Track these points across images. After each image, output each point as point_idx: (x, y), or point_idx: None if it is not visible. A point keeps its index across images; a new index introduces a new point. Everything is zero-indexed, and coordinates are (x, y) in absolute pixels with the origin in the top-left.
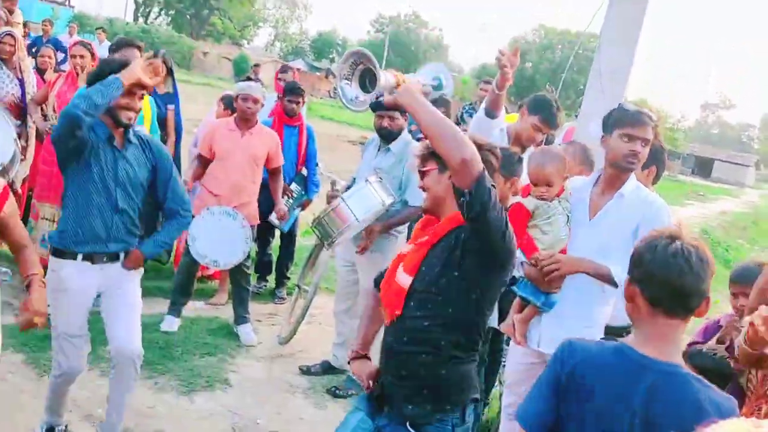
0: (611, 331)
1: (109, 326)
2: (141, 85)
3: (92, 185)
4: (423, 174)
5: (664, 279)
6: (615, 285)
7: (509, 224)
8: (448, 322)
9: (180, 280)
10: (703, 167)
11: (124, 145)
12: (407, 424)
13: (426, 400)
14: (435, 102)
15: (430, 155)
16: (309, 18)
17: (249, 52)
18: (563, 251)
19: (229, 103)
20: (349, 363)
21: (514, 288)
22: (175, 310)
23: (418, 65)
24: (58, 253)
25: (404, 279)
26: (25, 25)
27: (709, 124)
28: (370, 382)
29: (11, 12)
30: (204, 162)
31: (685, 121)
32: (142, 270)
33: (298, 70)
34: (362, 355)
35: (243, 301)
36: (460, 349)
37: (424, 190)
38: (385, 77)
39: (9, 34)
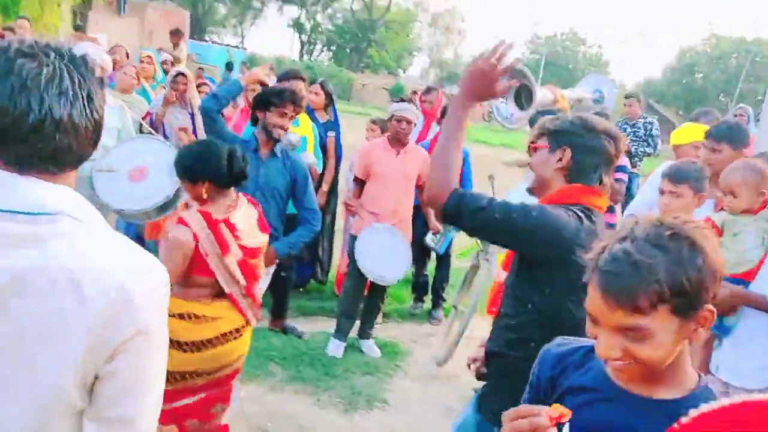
0: None
1: None
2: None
3: None
4: (533, 149)
5: None
6: None
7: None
8: (531, 319)
9: (346, 304)
10: None
11: (268, 157)
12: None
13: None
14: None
15: (547, 132)
16: (463, 43)
17: (405, 81)
18: (750, 273)
19: (382, 125)
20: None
21: None
22: (341, 333)
23: (575, 85)
24: None
25: (502, 275)
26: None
27: None
28: (477, 367)
29: (177, 61)
30: (360, 184)
31: None
32: (274, 266)
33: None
34: None
35: (371, 319)
36: None
37: (532, 168)
38: (542, 93)
39: (181, 74)
